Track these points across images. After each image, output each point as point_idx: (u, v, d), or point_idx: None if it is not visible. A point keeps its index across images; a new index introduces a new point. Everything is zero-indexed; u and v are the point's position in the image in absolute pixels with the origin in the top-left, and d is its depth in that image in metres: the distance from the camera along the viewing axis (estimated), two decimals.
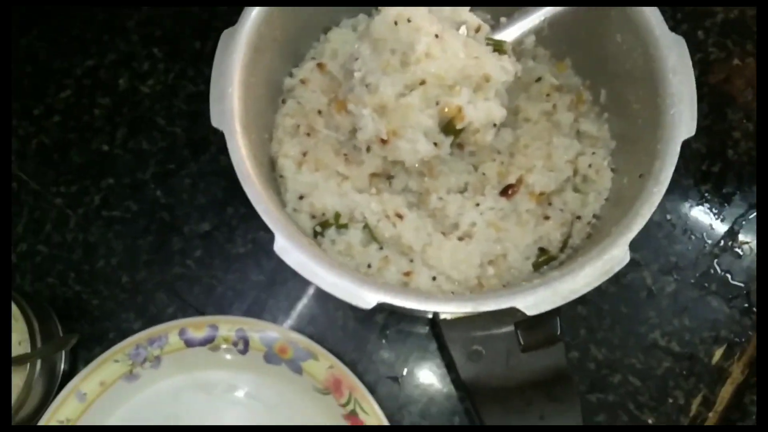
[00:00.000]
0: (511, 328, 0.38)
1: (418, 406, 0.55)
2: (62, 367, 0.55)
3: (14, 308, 0.51)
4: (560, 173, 0.50)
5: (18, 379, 0.51)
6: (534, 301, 0.36)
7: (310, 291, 0.58)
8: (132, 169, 0.60)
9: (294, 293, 0.58)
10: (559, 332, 0.38)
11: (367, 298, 0.38)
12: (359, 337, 0.56)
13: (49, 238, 0.59)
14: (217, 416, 0.55)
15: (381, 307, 0.38)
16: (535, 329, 0.39)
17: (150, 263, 0.59)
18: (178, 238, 0.59)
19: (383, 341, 0.56)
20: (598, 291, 0.39)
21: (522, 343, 0.38)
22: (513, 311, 0.36)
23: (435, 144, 0.43)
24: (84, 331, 0.57)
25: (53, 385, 0.55)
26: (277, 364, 0.54)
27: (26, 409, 0.52)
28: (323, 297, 0.57)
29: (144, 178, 0.60)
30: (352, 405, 0.53)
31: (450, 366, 0.39)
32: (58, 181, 0.60)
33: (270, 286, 0.58)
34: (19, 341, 0.52)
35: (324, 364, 0.53)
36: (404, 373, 0.56)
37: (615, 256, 0.38)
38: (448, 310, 0.38)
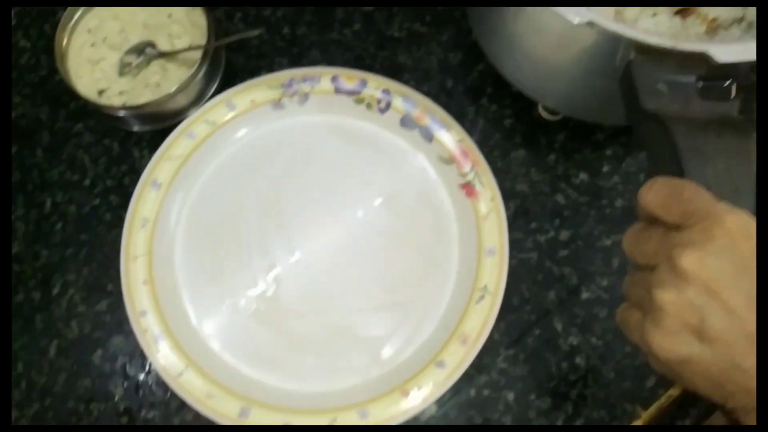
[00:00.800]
0: (692, 79, 0.41)
1: None
2: (219, 80, 0.60)
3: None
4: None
5: (183, 71, 0.57)
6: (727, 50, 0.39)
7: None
8: None
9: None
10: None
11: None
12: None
13: None
14: (341, 161, 0.59)
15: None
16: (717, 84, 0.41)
17: (311, 24, 0.64)
18: (342, 9, 0.65)
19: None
20: None
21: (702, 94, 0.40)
22: (704, 59, 0.39)
23: None
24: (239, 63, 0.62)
25: (207, 92, 0.60)
26: (411, 128, 0.59)
27: (179, 101, 0.57)
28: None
29: None
30: (471, 176, 0.57)
31: (628, 99, 0.42)
32: None
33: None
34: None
35: (455, 137, 0.58)
36: None
37: None
38: (652, 42, 0.40)
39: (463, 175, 0.57)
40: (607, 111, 0.53)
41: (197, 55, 0.57)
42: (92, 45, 0.59)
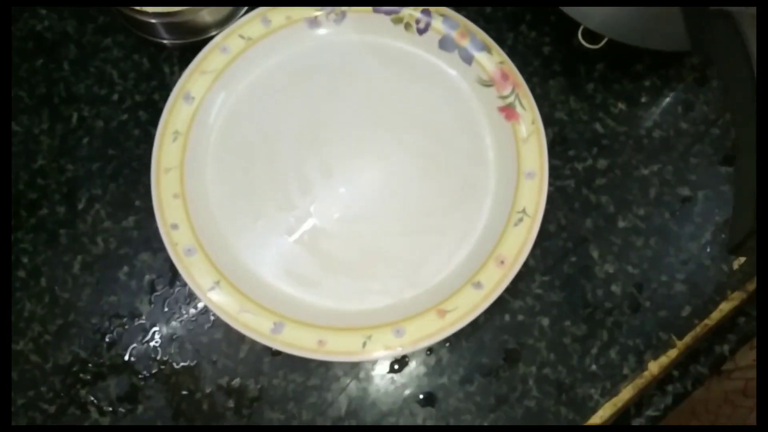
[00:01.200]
0: None
1: None
2: None
3: None
4: None
5: None
6: None
7: None
8: None
9: None
10: None
11: None
12: None
13: None
14: (378, 83, 0.58)
15: None
16: None
17: None
18: None
19: None
20: None
21: None
22: None
23: None
24: None
25: (239, 10, 0.58)
26: (450, 50, 0.58)
27: (212, 13, 0.56)
28: None
29: None
30: (512, 98, 0.56)
31: None
32: None
33: None
34: None
35: (496, 59, 0.56)
36: None
37: None
38: None
39: (503, 98, 0.56)
40: (653, 30, 0.52)
41: None
42: None
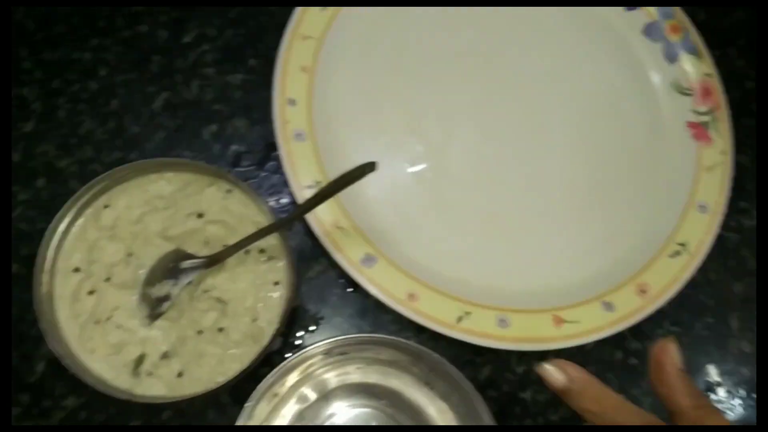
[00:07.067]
0: None
1: None
2: None
3: None
4: None
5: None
6: None
7: None
8: None
9: None
10: None
11: None
12: None
13: None
14: (556, 42, 0.49)
15: None
16: None
17: None
18: None
19: None
20: None
21: None
22: None
23: None
24: None
25: None
26: (655, 40, 0.50)
27: None
28: None
29: None
30: (707, 118, 0.48)
31: None
32: None
33: None
34: None
35: (703, 68, 0.48)
36: None
37: None
38: None
39: (698, 114, 0.48)
40: None
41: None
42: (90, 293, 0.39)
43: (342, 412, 0.40)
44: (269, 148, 0.44)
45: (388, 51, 0.47)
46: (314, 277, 0.43)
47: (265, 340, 0.37)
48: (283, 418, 0.40)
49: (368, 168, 0.33)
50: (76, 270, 0.38)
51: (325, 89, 0.44)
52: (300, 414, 0.40)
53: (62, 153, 0.44)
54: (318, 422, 0.40)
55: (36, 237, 0.37)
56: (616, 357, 0.44)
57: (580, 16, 0.50)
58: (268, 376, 0.37)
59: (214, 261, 0.38)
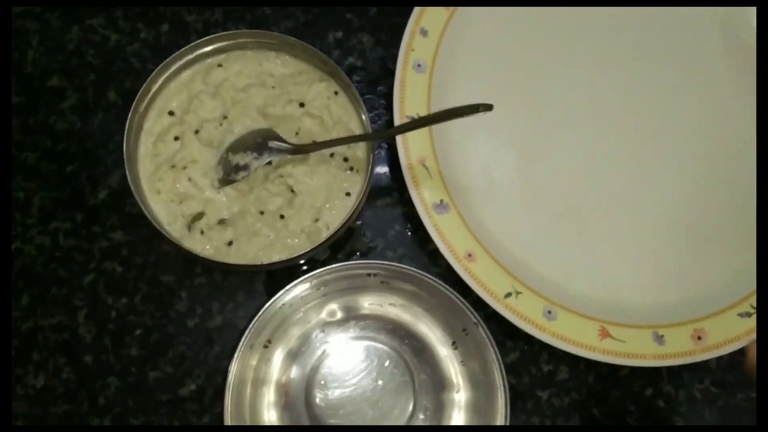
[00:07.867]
0: None
1: None
2: None
3: None
4: None
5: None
6: None
7: None
8: None
9: None
10: None
11: None
12: None
13: None
14: (700, 62, 0.47)
15: None
16: None
17: None
18: None
19: None
20: None
21: None
22: None
23: None
24: None
25: None
26: None
27: None
28: None
29: None
30: None
31: None
32: None
33: None
34: None
35: None
36: None
37: None
38: None
39: None
40: None
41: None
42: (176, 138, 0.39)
43: (357, 335, 0.41)
44: (385, 73, 0.44)
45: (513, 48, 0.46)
46: (381, 207, 0.43)
47: (318, 241, 0.37)
48: (308, 323, 0.40)
49: (483, 107, 0.33)
50: (171, 113, 0.39)
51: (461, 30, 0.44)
52: (323, 327, 0.41)
53: (193, 9, 0.45)
54: (330, 341, 0.40)
55: (144, 75, 0.38)
56: (645, 392, 0.43)
57: (737, 38, 0.47)
58: (306, 276, 0.37)
59: (300, 150, 0.38)
